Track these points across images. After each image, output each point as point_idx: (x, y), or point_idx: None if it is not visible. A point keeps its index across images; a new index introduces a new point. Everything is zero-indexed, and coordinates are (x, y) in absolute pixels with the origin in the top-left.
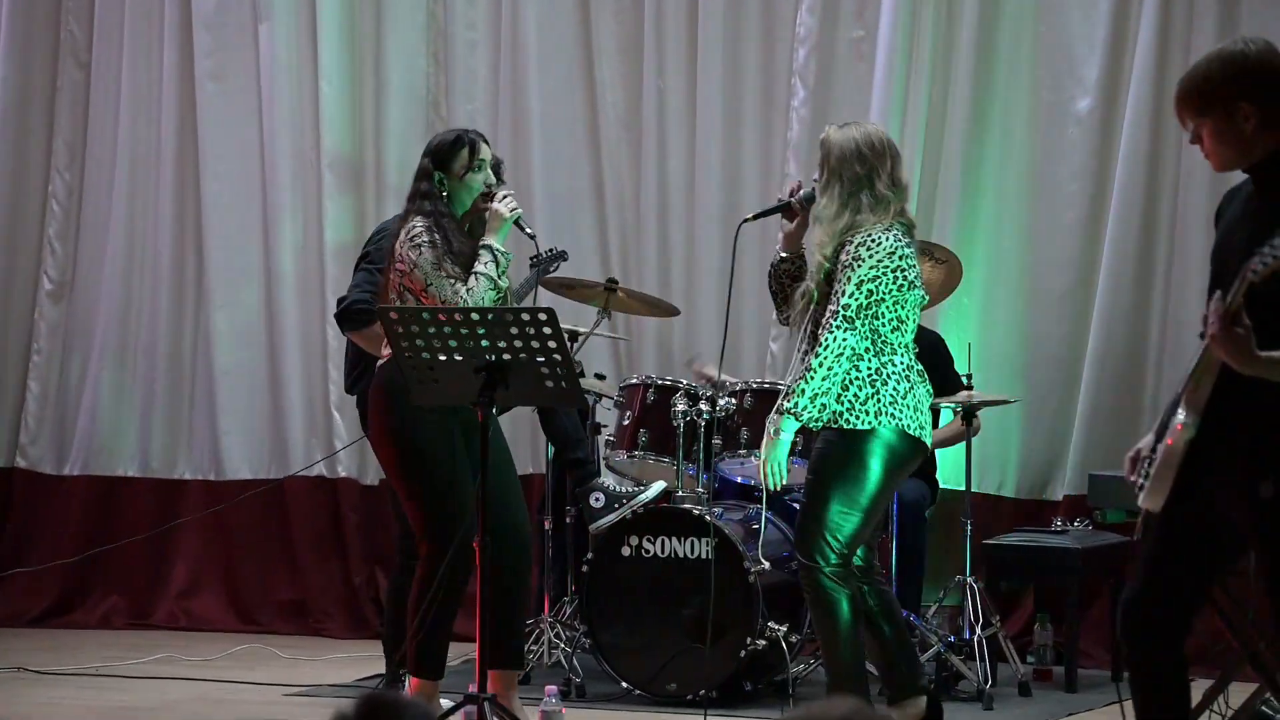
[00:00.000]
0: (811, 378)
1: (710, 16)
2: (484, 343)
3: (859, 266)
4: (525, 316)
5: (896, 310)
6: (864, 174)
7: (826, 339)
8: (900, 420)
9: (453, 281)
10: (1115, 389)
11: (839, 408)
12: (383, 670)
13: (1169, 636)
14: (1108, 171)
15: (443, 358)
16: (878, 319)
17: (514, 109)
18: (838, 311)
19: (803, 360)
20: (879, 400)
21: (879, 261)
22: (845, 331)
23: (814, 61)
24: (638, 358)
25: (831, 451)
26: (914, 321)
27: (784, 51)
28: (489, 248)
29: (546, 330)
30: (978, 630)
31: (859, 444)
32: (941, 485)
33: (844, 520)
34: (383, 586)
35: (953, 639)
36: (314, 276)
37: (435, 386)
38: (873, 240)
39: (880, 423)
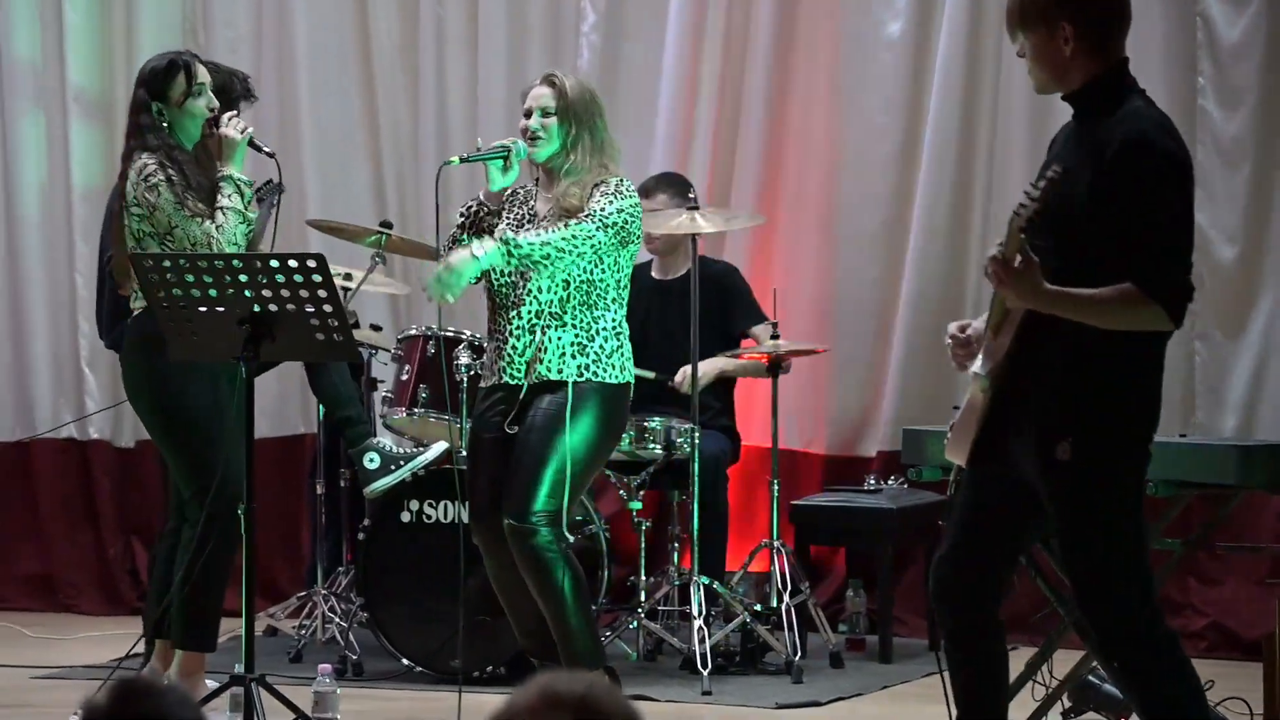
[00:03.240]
0: (548, 238)
1: None
2: (247, 292)
3: (620, 198)
4: (293, 263)
5: (627, 268)
6: (600, 121)
7: (581, 223)
8: (632, 379)
9: (200, 220)
10: (931, 336)
11: (584, 360)
12: (141, 650)
13: (982, 600)
14: (921, 100)
15: (202, 309)
16: (619, 266)
17: (279, 37)
18: (594, 213)
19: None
20: (623, 354)
21: (635, 205)
22: (597, 229)
23: None
24: (417, 307)
25: (577, 407)
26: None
27: None
28: (228, 178)
29: (316, 278)
30: (786, 598)
31: (603, 398)
32: (745, 441)
33: (577, 478)
34: (140, 557)
35: (759, 608)
36: (60, 220)
37: (194, 341)
38: (628, 185)
39: (624, 377)
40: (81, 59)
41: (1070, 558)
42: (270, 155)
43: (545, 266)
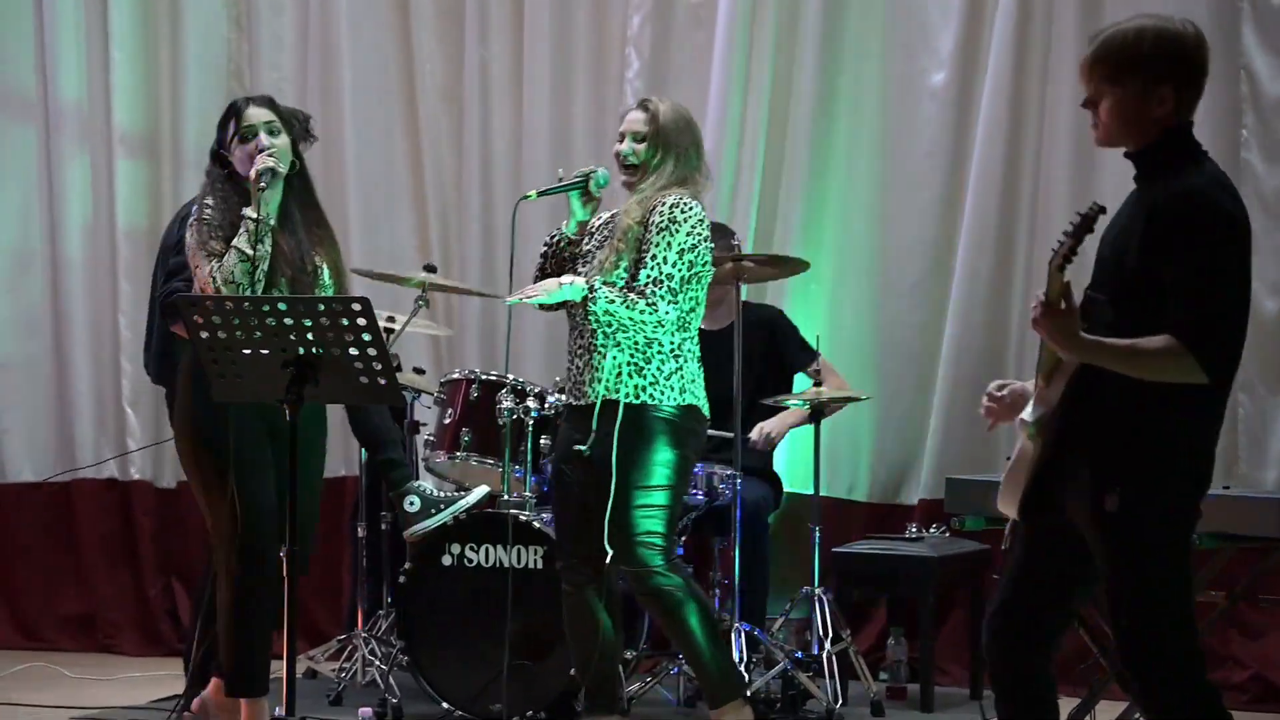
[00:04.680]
0: (629, 304)
1: None
2: (291, 335)
3: (676, 231)
4: (336, 306)
5: (699, 289)
6: (692, 150)
7: (654, 299)
8: (699, 402)
9: (208, 258)
10: (974, 384)
11: (641, 380)
12: (180, 691)
13: (1035, 651)
14: (964, 149)
15: (246, 351)
16: (690, 294)
17: (324, 79)
18: (660, 280)
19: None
20: (683, 377)
21: (693, 228)
22: (669, 304)
23: (649, 29)
24: (460, 350)
25: (639, 433)
26: (703, 304)
27: (617, 18)
28: (244, 217)
29: (360, 321)
30: (827, 645)
31: (664, 419)
32: (787, 488)
33: (668, 508)
34: (180, 598)
35: (800, 655)
36: (104, 261)
37: (238, 382)
38: (685, 204)
39: (685, 399)
40: (127, 100)
41: (1115, 609)
42: (260, 190)
43: (608, 329)
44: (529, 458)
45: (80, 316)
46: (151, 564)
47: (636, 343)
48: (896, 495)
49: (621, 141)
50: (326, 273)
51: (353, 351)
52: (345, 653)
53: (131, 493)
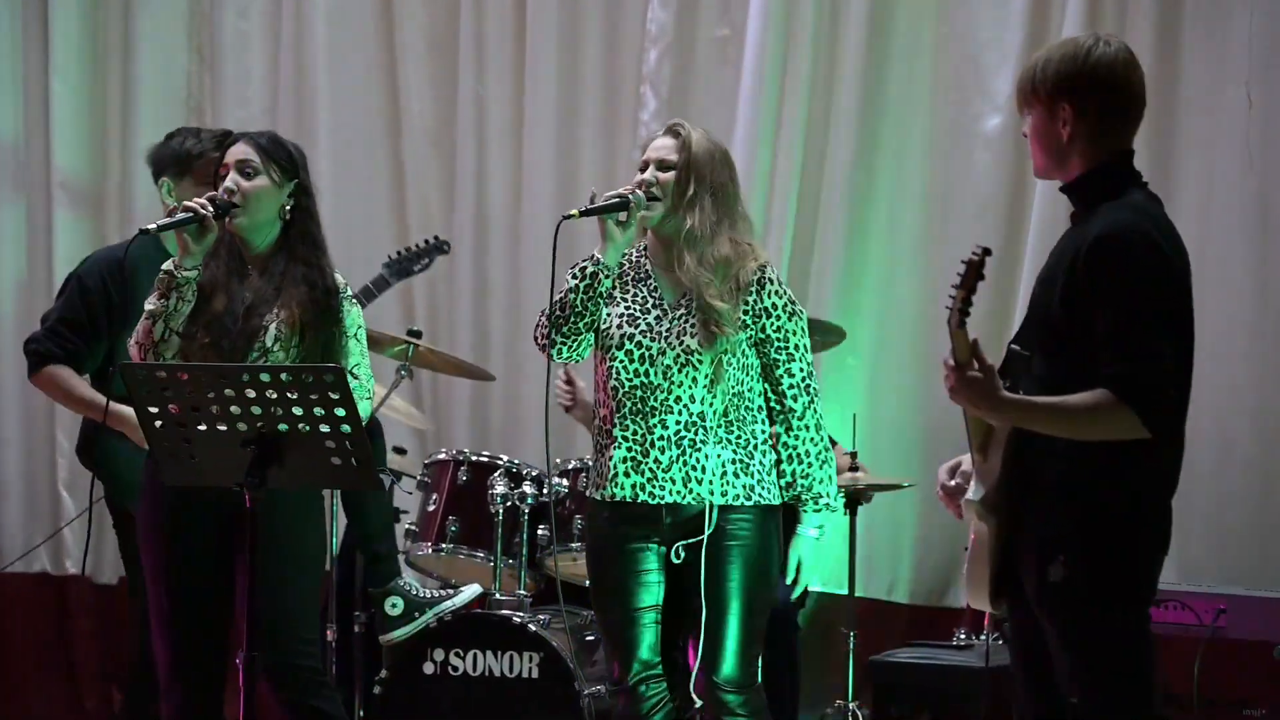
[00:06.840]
0: (825, 460)
1: (542, 9)
2: (254, 409)
3: (799, 316)
4: (307, 377)
5: None
6: (731, 186)
7: (814, 410)
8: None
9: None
10: None
11: (748, 479)
12: None
13: None
14: (1023, 204)
15: (201, 427)
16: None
17: (297, 118)
18: (810, 372)
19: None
20: (775, 470)
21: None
22: (817, 400)
23: (668, 65)
24: (446, 428)
25: (749, 537)
26: None
27: (632, 53)
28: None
29: (333, 394)
30: None
31: (772, 523)
32: (819, 588)
33: (763, 622)
34: (123, 709)
35: None
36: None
37: (191, 464)
38: (786, 287)
39: (782, 496)
40: (69, 139)
41: (1068, 689)
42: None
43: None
44: (524, 551)
45: (9, 385)
46: (89, 671)
47: (739, 435)
48: (942, 597)
49: (644, 170)
50: (272, 334)
51: (324, 429)
52: None
53: (66, 589)
